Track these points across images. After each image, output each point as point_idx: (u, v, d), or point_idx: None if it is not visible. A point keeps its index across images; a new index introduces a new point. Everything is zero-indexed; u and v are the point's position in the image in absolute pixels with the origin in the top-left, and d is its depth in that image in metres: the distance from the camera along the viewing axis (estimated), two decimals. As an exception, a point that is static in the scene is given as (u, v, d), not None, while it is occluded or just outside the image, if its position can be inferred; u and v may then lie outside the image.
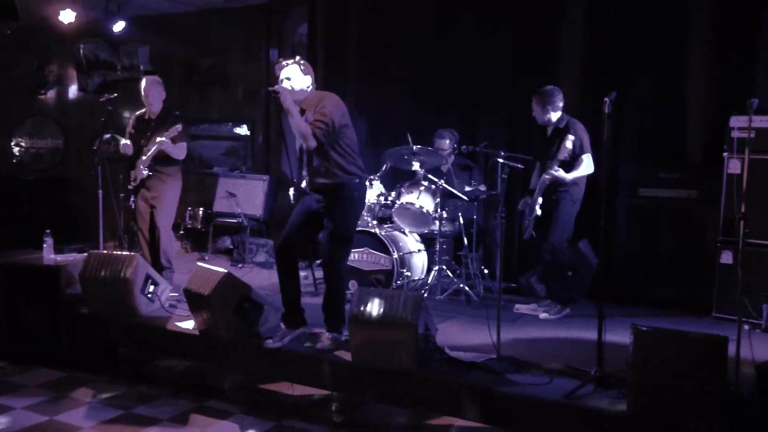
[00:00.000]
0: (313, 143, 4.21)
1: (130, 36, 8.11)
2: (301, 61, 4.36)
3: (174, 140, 5.47)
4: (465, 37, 6.53)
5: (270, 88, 4.26)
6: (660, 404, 3.26)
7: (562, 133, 5.07)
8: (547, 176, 4.98)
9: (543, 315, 5.16)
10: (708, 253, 5.17)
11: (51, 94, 9.62)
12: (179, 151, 5.58)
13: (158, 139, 5.44)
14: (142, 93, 5.67)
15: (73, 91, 9.43)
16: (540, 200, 5.07)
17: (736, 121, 4.94)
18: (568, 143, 4.85)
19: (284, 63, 4.37)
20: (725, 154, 5.03)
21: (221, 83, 8.34)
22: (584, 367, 3.79)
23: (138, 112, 5.86)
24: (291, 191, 4.62)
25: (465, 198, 5.73)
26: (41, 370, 4.94)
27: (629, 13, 5.79)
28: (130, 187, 5.69)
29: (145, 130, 5.69)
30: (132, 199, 5.69)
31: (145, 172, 5.59)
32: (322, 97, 4.35)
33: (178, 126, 5.43)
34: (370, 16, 7.10)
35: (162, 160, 5.58)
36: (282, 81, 4.29)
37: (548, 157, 5.12)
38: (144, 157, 5.59)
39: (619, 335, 4.00)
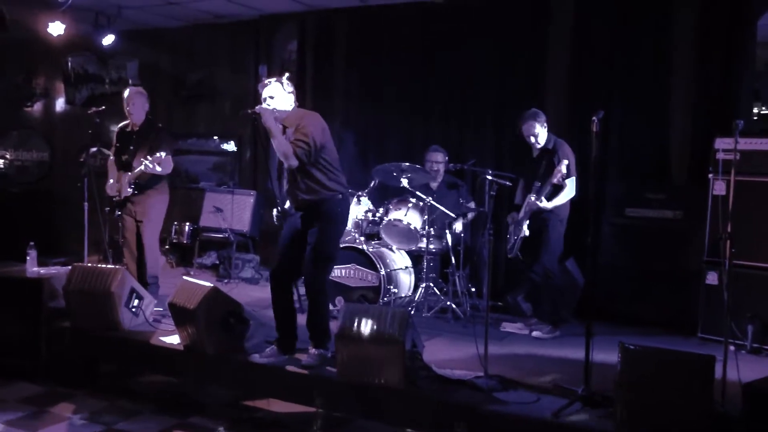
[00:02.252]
0: (294, 162, 4.22)
1: (119, 50, 8.10)
2: (284, 80, 4.36)
3: (158, 162, 5.39)
4: (452, 56, 6.59)
5: (250, 110, 4.28)
6: (647, 423, 3.26)
7: (550, 153, 5.11)
8: (533, 207, 5.00)
9: (536, 333, 5.15)
10: (694, 273, 5.20)
11: (38, 106, 9.56)
12: (165, 167, 5.51)
13: (141, 165, 5.35)
14: (125, 103, 5.64)
15: (60, 103, 9.38)
16: (527, 221, 5.09)
17: (721, 143, 4.99)
18: (563, 168, 4.87)
19: (267, 81, 4.38)
20: (710, 175, 5.08)
21: (209, 98, 8.33)
22: (571, 385, 3.78)
23: (120, 126, 5.81)
24: (274, 212, 4.61)
25: (453, 215, 5.74)
26: (21, 385, 4.85)
27: (614, 34, 5.87)
28: (115, 200, 5.63)
29: (127, 143, 5.64)
30: (117, 212, 5.65)
31: (130, 190, 5.54)
32: (302, 116, 4.37)
33: (161, 154, 5.30)
34: (358, 34, 7.16)
35: (146, 176, 5.53)
36: (265, 100, 4.30)
37: (535, 176, 5.14)
38: (129, 174, 5.53)
39: (606, 354, 3.99)
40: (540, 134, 5.15)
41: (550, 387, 3.89)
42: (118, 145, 5.75)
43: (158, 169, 5.39)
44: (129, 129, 5.71)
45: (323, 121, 4.39)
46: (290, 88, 4.35)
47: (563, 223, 5.15)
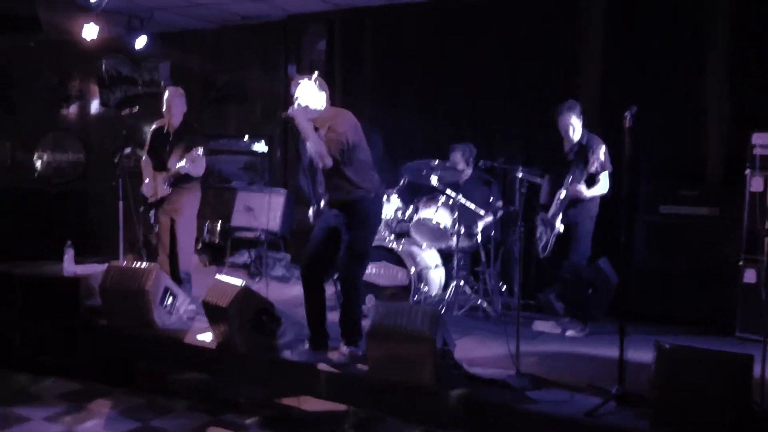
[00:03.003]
0: (329, 162, 4.22)
1: (151, 52, 8.20)
2: (317, 79, 4.37)
3: (193, 159, 5.48)
4: (482, 53, 6.56)
5: (284, 114, 4.29)
6: (683, 423, 3.21)
7: (584, 149, 5.05)
8: (571, 192, 4.95)
9: (570, 332, 5.11)
10: (731, 271, 5.10)
11: (73, 108, 9.74)
12: (198, 168, 5.59)
13: (178, 164, 5.47)
14: (165, 104, 5.70)
15: (94, 105, 9.54)
16: (560, 216, 5.05)
17: (758, 138, 4.91)
18: (601, 154, 4.82)
19: (298, 81, 4.38)
20: (747, 171, 4.98)
21: (239, 98, 8.40)
22: (605, 384, 3.74)
23: (155, 126, 5.87)
24: (310, 212, 4.63)
25: (482, 213, 5.71)
26: (59, 381, 4.95)
27: (648, 30, 5.78)
28: (150, 200, 5.72)
29: (164, 144, 5.72)
30: (152, 212, 5.73)
31: (167, 189, 5.61)
32: (335, 115, 4.37)
33: (199, 150, 5.41)
34: (386, 33, 7.16)
35: (182, 174, 5.60)
36: (296, 99, 4.31)
37: (565, 172, 5.09)
38: (165, 174, 5.62)
39: (640, 353, 3.95)
40: (576, 126, 5.11)
41: (584, 386, 3.84)
42: (153, 145, 5.82)
43: (192, 166, 5.47)
44: (166, 130, 5.77)
45: (355, 119, 4.39)
46: (323, 87, 4.36)
47: (593, 220, 5.10)
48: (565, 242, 5.11)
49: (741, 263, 5.00)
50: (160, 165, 5.69)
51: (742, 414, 3.15)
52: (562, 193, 5.04)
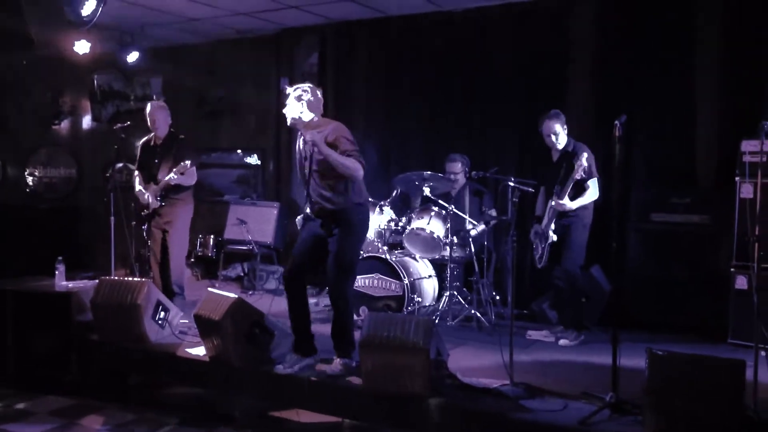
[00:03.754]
0: (362, 172, 4.23)
1: (143, 66, 8.22)
2: (291, 97, 4.35)
3: (182, 171, 5.48)
4: (472, 65, 6.60)
5: (308, 140, 4.28)
6: (677, 429, 3.21)
7: (570, 156, 5.08)
8: (558, 208, 4.98)
9: (563, 341, 5.10)
10: (722, 278, 5.12)
11: (65, 124, 9.72)
12: (189, 178, 5.62)
13: (167, 177, 5.50)
14: (148, 118, 5.74)
15: (86, 121, 9.54)
16: (552, 226, 5.07)
17: (747, 146, 4.93)
18: (584, 160, 4.85)
19: (287, 91, 4.38)
20: (737, 178, 5.01)
21: (232, 112, 8.43)
22: (599, 392, 3.73)
23: (143, 140, 5.92)
24: (298, 219, 4.62)
25: (475, 223, 5.72)
26: (51, 397, 4.92)
27: (639, 37, 5.83)
28: (143, 213, 5.72)
29: (152, 157, 5.76)
30: (144, 225, 5.73)
31: (158, 202, 5.63)
32: (333, 127, 4.33)
33: (186, 163, 5.43)
34: (379, 45, 7.20)
35: (173, 186, 5.62)
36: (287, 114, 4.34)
37: (555, 181, 5.11)
38: (155, 187, 5.63)
39: (634, 361, 3.94)
40: (560, 134, 5.13)
41: (578, 394, 3.84)
42: (142, 159, 5.85)
43: (183, 179, 5.49)
44: (153, 143, 5.81)
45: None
46: (310, 96, 4.32)
47: (586, 229, 5.11)
48: (558, 250, 5.12)
49: (732, 270, 5.02)
50: (150, 178, 5.71)
51: (735, 420, 3.15)
52: (553, 202, 5.06)
